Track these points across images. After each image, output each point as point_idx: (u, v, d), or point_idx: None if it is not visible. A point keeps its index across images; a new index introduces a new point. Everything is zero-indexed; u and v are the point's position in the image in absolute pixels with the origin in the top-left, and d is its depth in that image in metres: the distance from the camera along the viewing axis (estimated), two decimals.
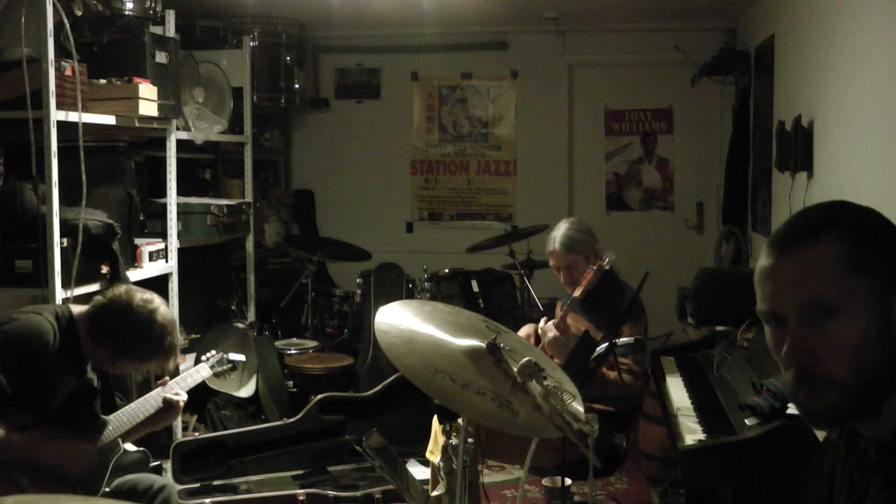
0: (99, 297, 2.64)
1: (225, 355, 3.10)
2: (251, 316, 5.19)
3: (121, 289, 2.62)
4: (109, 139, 3.95)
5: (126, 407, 2.71)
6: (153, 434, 3.92)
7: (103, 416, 2.66)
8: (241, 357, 3.15)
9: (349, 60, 6.57)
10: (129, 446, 2.74)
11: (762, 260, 1.23)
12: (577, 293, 3.27)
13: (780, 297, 1.19)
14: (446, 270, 5.34)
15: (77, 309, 2.66)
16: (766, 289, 1.21)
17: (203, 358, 3.09)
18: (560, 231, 3.44)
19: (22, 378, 2.42)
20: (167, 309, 2.64)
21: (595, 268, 3.25)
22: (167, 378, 2.85)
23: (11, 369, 2.40)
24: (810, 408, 1.18)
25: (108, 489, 2.65)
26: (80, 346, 2.59)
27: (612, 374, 3.21)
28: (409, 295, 5.21)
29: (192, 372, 2.97)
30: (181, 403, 2.79)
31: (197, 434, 4.27)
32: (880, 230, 1.19)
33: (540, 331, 3.32)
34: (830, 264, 1.16)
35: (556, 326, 3.26)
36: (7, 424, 2.41)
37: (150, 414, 2.73)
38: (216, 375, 3.07)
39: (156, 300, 2.63)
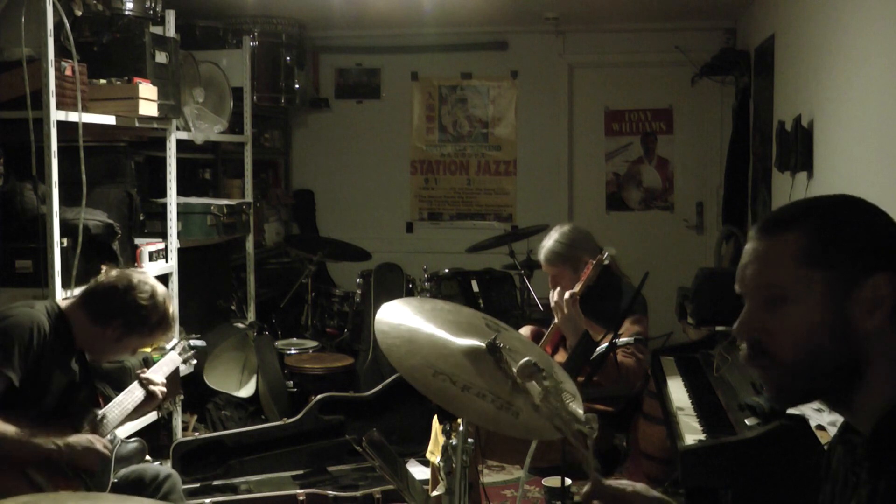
0: (93, 284, 2.71)
1: (187, 342, 3.19)
2: (251, 316, 5.19)
3: (114, 271, 2.72)
4: (109, 139, 3.95)
5: (115, 399, 2.74)
6: (153, 434, 3.94)
7: (98, 410, 2.69)
8: (201, 342, 3.27)
9: (349, 60, 6.57)
10: (121, 434, 2.82)
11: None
12: (576, 288, 3.28)
13: (743, 277, 1.28)
14: (446, 270, 5.35)
15: (65, 303, 2.71)
16: (737, 268, 1.30)
17: (168, 347, 3.18)
18: (547, 243, 3.48)
19: (24, 372, 2.45)
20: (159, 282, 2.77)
21: (594, 262, 3.27)
22: (144, 369, 2.91)
23: (16, 362, 2.43)
24: (764, 382, 1.27)
25: (115, 479, 2.71)
26: (71, 339, 2.64)
27: (621, 360, 3.20)
28: (409, 295, 5.21)
29: (166, 361, 3.02)
30: (159, 391, 2.82)
31: (197, 434, 4.27)
32: (855, 226, 1.21)
33: (553, 304, 3.32)
34: (788, 254, 1.22)
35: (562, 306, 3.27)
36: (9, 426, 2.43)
37: (137, 403, 2.77)
38: (184, 362, 3.15)
39: (149, 275, 2.77)
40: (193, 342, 3.22)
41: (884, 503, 1.12)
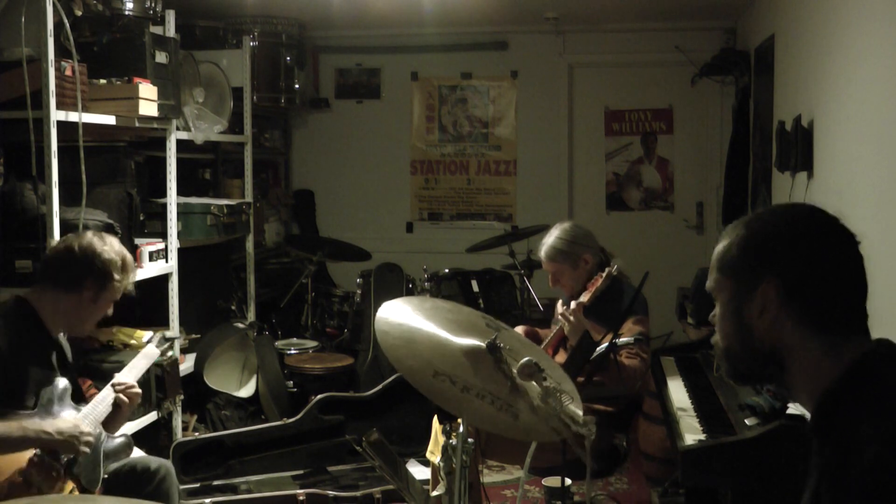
0: (43, 260, 2.81)
1: (163, 334, 3.23)
2: (251, 316, 5.19)
3: (53, 242, 2.83)
4: (109, 139, 3.95)
5: (88, 406, 2.72)
6: (153, 434, 3.93)
7: (80, 407, 2.68)
8: (175, 334, 3.40)
9: (349, 60, 6.57)
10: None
11: None
12: (584, 299, 3.29)
13: None
14: (446, 270, 5.34)
15: (26, 293, 2.72)
16: None
17: (145, 340, 3.21)
18: (548, 240, 3.50)
19: None
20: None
21: (604, 275, 3.29)
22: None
23: None
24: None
25: (106, 476, 2.69)
26: (44, 327, 2.64)
27: (625, 361, 3.20)
28: (409, 295, 5.21)
29: (143, 355, 3.04)
30: (134, 394, 2.79)
31: (197, 434, 4.27)
32: (761, 240, 1.36)
33: (560, 315, 3.34)
34: (716, 262, 1.43)
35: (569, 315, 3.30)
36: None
37: (109, 411, 2.75)
38: (162, 354, 3.19)
39: (93, 231, 2.82)
40: (168, 334, 3.28)
41: (830, 470, 1.24)
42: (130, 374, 2.89)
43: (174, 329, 4.19)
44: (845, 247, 1.34)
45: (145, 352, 3.07)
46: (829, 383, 1.29)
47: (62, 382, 2.65)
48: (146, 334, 3.25)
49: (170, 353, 3.33)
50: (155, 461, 2.87)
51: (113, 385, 2.78)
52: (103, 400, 2.74)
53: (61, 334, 2.79)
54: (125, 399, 2.76)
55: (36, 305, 2.64)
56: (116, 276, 2.69)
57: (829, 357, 1.31)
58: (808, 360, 1.32)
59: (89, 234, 2.73)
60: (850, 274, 1.33)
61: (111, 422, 2.77)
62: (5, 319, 2.55)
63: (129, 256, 2.77)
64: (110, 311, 2.82)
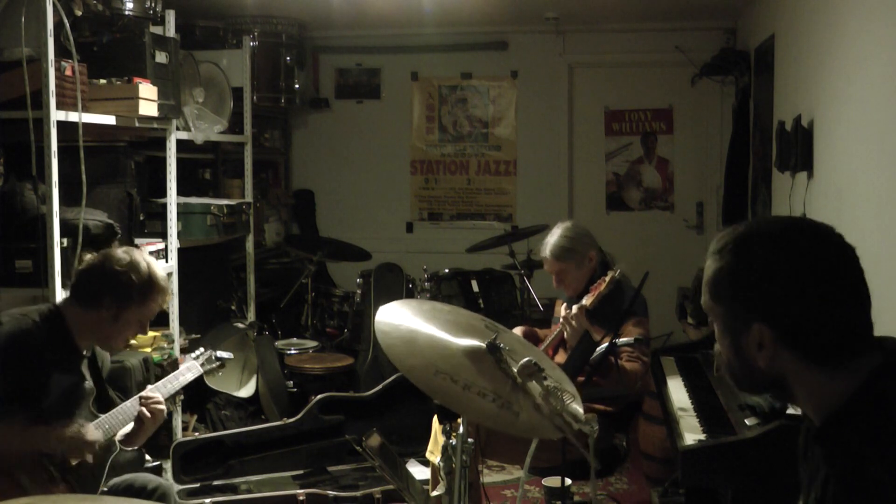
0: (75, 273, 2.71)
1: (213, 353, 3.09)
2: (251, 316, 5.19)
3: (88, 255, 2.71)
4: (109, 139, 3.95)
5: (120, 406, 2.69)
6: (153, 434, 3.92)
7: (99, 415, 2.65)
8: (228, 354, 3.14)
9: (349, 60, 6.57)
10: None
11: None
12: (587, 302, 3.29)
13: None
14: (446, 270, 5.34)
15: (61, 303, 2.68)
16: None
17: (192, 356, 3.08)
18: (551, 239, 3.49)
19: (10, 380, 2.43)
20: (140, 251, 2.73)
21: (608, 280, 3.29)
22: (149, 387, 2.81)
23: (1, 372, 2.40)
24: None
25: (105, 488, 2.65)
26: (71, 339, 2.59)
27: (626, 365, 3.21)
28: (409, 295, 5.21)
29: (182, 371, 2.95)
30: (158, 410, 2.69)
31: (197, 434, 4.27)
32: (751, 273, 1.31)
33: (563, 319, 3.35)
34: (706, 282, 1.37)
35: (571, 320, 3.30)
36: (4, 425, 2.41)
37: (130, 423, 2.69)
38: (207, 373, 3.05)
39: (128, 248, 2.71)
40: (221, 354, 3.11)
41: (834, 488, 1.26)
42: (164, 388, 2.80)
43: (174, 329, 4.19)
44: (839, 267, 1.29)
45: (185, 367, 2.96)
46: (834, 405, 1.29)
47: (87, 386, 2.63)
48: (196, 351, 3.09)
49: (219, 374, 3.13)
50: (154, 481, 2.79)
51: (140, 397, 2.70)
52: (125, 411, 2.67)
53: (97, 347, 2.74)
54: (147, 414, 2.66)
55: (66, 317, 2.60)
56: (136, 298, 2.60)
57: (833, 381, 1.29)
58: (813, 386, 1.32)
59: (119, 252, 2.64)
60: (846, 296, 1.28)
61: (131, 436, 2.69)
62: (33, 327, 2.52)
63: (158, 277, 2.65)
64: (146, 331, 2.75)
